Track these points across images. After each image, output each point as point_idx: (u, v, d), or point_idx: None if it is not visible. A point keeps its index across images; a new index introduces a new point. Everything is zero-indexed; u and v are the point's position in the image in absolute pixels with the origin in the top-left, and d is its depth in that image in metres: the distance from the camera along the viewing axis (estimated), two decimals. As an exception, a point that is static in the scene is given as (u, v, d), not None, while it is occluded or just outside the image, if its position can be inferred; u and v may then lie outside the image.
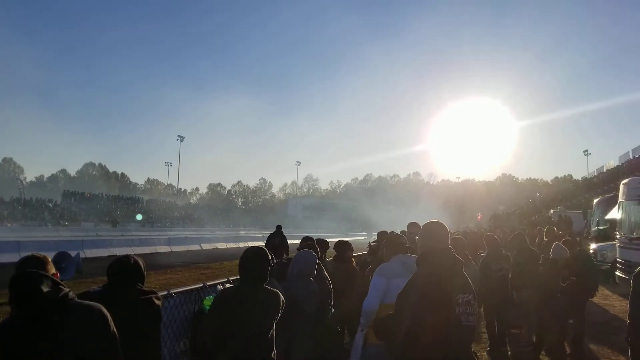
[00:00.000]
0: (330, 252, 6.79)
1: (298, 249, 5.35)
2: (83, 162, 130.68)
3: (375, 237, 8.55)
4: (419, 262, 3.11)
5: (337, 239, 6.88)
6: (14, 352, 2.02)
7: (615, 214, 15.98)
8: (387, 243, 4.53)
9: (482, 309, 7.60)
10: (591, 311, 10.70)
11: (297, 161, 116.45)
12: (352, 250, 6.68)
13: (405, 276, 3.31)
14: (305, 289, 4.50)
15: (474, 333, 3.04)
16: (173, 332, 3.97)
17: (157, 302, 3.06)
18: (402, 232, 7.50)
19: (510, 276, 7.48)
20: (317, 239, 6.51)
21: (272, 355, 3.50)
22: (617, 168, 43.21)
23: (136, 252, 22.38)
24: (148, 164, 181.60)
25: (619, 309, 10.83)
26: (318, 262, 4.88)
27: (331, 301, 5.20)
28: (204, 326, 3.89)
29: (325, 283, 5.12)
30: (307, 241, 6.09)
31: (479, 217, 47.85)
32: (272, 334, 3.48)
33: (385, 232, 7.64)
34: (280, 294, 3.56)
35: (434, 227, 3.23)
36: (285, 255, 6.98)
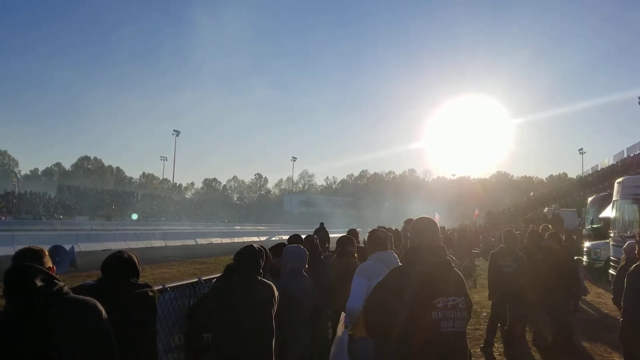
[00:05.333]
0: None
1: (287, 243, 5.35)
2: (78, 155, 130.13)
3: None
4: (408, 258, 2.87)
5: (335, 235, 6.90)
6: (7, 346, 2.01)
7: (609, 212, 16.05)
8: (369, 240, 4.50)
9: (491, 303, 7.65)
10: (584, 309, 10.78)
11: (292, 157, 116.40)
12: (354, 245, 6.68)
13: (385, 274, 3.24)
14: (300, 285, 4.50)
15: (463, 339, 2.76)
16: (168, 327, 3.96)
17: (152, 295, 3.05)
18: (382, 227, 7.44)
19: (523, 274, 7.40)
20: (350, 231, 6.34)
21: (270, 351, 3.52)
22: (611, 167, 43.26)
23: (131, 247, 22.34)
24: (143, 158, 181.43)
25: (612, 307, 10.87)
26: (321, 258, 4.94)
27: (326, 299, 5.20)
28: (198, 320, 3.90)
29: (322, 280, 5.11)
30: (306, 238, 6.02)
31: (475, 214, 47.94)
32: (271, 329, 3.51)
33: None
34: (274, 287, 3.61)
35: (425, 223, 3.02)
36: (326, 244, 7.46)
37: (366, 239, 4.70)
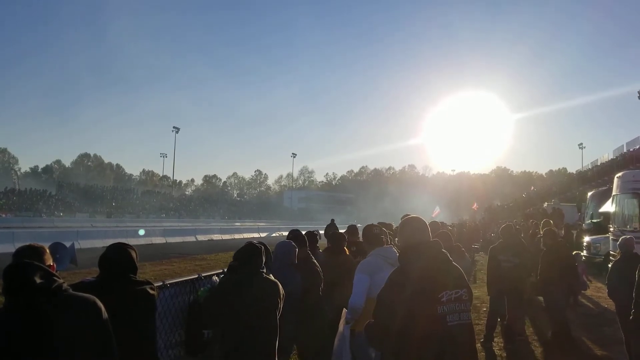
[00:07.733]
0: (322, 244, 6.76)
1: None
2: (78, 153, 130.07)
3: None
4: (407, 256, 2.85)
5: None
6: (7, 343, 2.01)
7: (609, 207, 16.06)
8: (365, 237, 4.52)
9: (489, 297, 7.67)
10: (584, 303, 10.81)
11: (292, 153, 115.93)
12: (345, 241, 6.66)
13: (387, 269, 3.23)
14: (294, 280, 4.52)
15: (470, 331, 2.76)
16: (168, 323, 3.97)
17: (152, 292, 3.04)
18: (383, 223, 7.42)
19: (524, 269, 7.40)
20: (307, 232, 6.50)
21: (273, 348, 3.52)
22: (611, 161, 43.16)
23: (131, 244, 22.28)
24: (143, 155, 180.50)
25: (611, 302, 10.90)
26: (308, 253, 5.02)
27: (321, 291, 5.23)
28: (199, 316, 3.91)
29: (317, 273, 5.13)
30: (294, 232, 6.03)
31: (474, 207, 47.83)
32: (273, 327, 3.52)
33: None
34: (279, 285, 3.61)
35: (415, 222, 3.03)
36: None
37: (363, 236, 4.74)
